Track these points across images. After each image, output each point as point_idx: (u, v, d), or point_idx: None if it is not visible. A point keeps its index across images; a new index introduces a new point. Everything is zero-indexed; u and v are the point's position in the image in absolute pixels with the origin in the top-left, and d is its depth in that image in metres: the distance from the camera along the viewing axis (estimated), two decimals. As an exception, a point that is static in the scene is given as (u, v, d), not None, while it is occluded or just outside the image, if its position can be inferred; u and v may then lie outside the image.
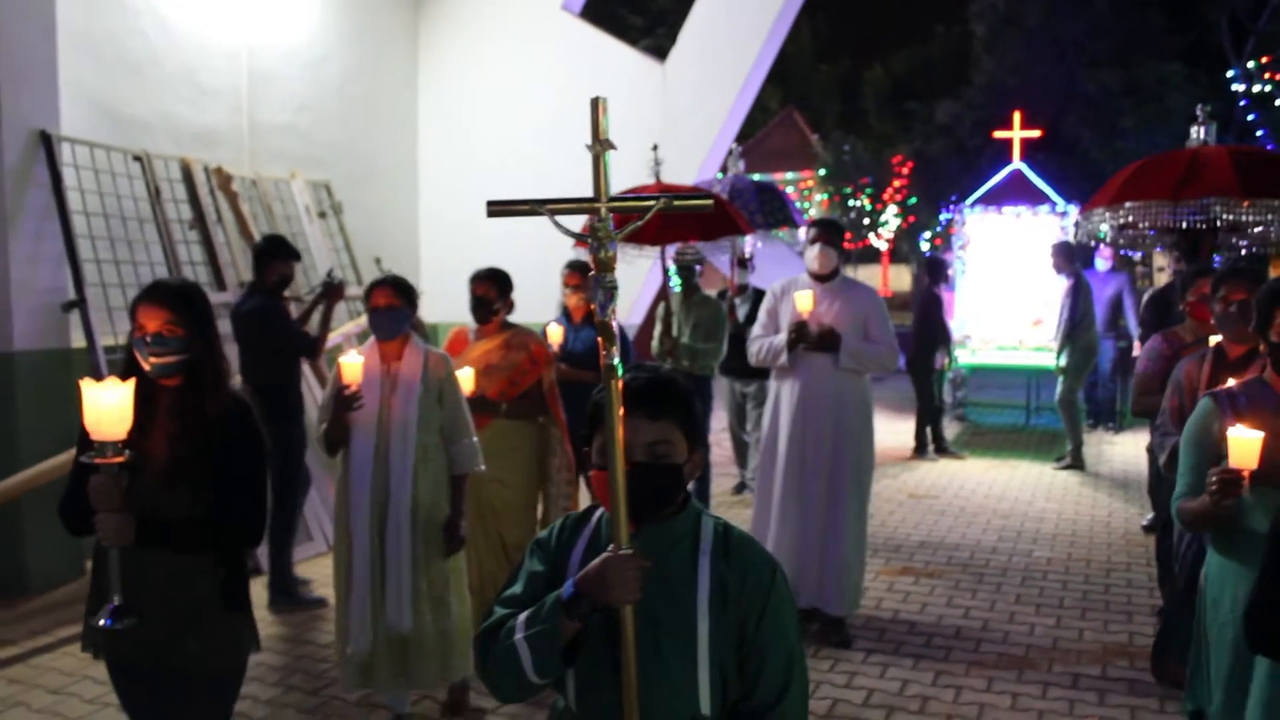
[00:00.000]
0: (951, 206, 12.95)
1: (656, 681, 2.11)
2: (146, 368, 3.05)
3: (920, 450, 11.11)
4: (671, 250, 7.79)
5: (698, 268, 8.01)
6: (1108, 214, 6.51)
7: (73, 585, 6.70)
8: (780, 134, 32.25)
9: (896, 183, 26.30)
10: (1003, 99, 20.67)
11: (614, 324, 2.11)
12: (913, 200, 25.91)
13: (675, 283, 8.07)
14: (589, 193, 2.13)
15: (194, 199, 8.11)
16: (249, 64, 9.07)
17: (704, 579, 2.15)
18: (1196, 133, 6.69)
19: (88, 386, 2.80)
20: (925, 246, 24.42)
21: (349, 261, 9.42)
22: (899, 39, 34.76)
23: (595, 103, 2.07)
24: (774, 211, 8.36)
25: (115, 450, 2.81)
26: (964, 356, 12.55)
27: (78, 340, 6.96)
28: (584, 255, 6.80)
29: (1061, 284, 10.58)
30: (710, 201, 2.24)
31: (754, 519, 6.14)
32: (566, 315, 6.88)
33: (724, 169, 9.47)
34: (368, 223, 10.05)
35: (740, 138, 34.24)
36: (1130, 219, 6.44)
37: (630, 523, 2.10)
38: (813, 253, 5.87)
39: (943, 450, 11.19)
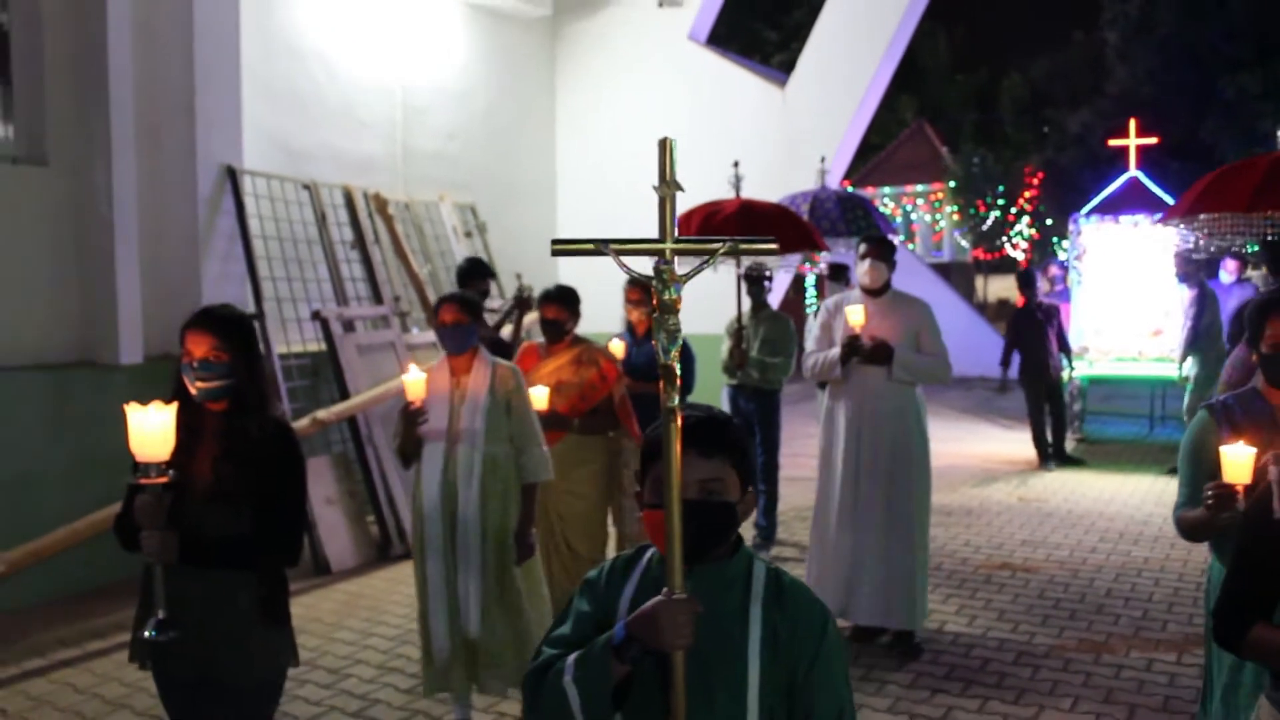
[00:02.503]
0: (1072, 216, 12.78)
1: None
2: (194, 392, 3.15)
3: (1043, 461, 11.01)
4: (744, 264, 7.83)
5: (767, 283, 8.07)
6: (1182, 225, 6.62)
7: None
8: (910, 147, 32.28)
9: (1027, 193, 26.13)
10: (1136, 107, 20.54)
11: (675, 366, 2.07)
12: (1042, 209, 25.76)
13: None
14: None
15: (355, 222, 9.03)
16: (403, 98, 9.99)
17: (755, 625, 2.14)
18: None
19: (132, 410, 2.89)
20: (1062, 256, 24.28)
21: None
22: (1036, 46, 34.11)
23: (663, 144, 2.06)
24: (856, 220, 8.44)
25: (159, 471, 2.90)
26: (1082, 369, 12.22)
27: (256, 348, 7.93)
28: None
29: (1184, 294, 10.51)
30: (775, 245, 2.24)
31: (811, 532, 6.24)
32: (630, 329, 7.02)
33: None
34: (509, 241, 10.87)
35: (871, 151, 34.35)
36: (1206, 231, 6.49)
37: (684, 563, 2.08)
38: (863, 268, 5.95)
39: (1063, 460, 11.11)
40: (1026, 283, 11.07)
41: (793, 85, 10.70)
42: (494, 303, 8.26)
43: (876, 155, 33.33)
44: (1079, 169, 22.74)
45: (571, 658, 2.10)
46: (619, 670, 2.04)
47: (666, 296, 2.06)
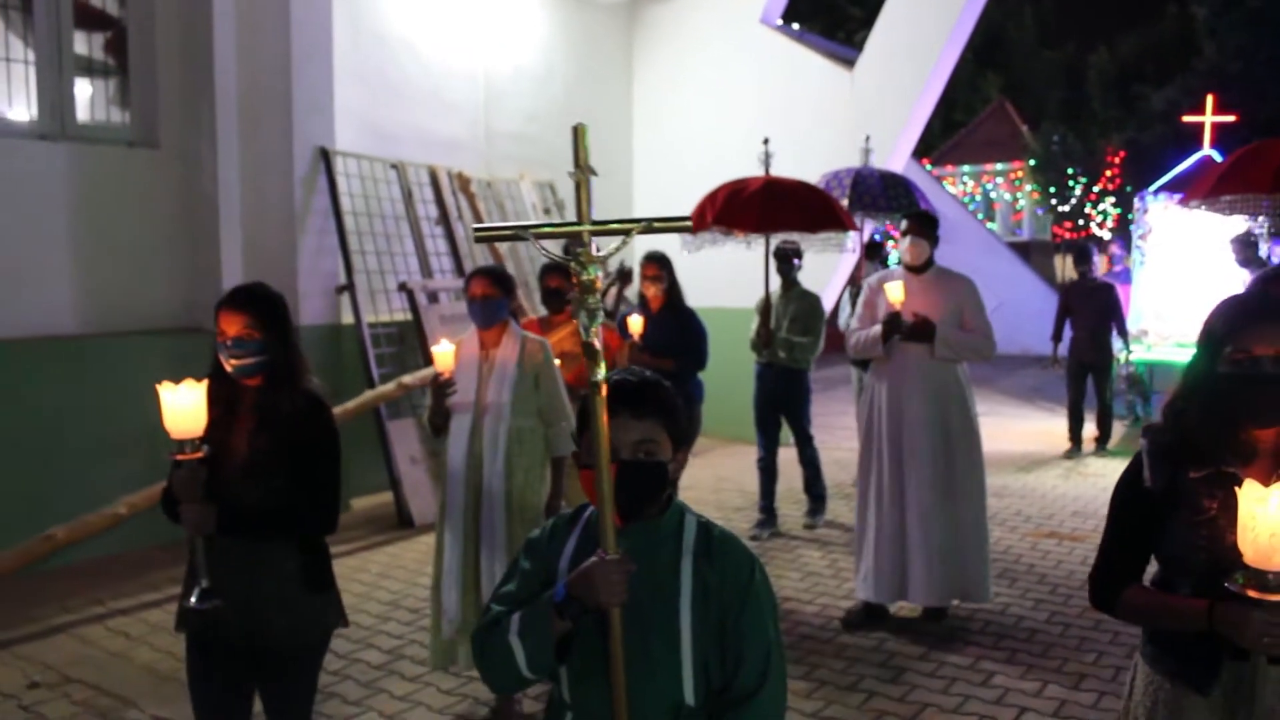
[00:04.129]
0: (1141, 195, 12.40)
1: (643, 674, 2.19)
2: (229, 369, 3.22)
3: (1074, 446, 10.65)
4: (774, 242, 7.78)
5: (796, 260, 7.91)
6: (1204, 206, 6.53)
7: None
8: (991, 125, 32.01)
9: (1109, 173, 25.83)
10: (1224, 83, 20.27)
11: (596, 342, 2.16)
12: (1128, 189, 25.49)
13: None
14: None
15: (439, 199, 9.57)
16: (485, 82, 10.50)
17: (686, 577, 2.23)
18: None
19: (165, 389, 2.96)
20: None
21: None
22: (1127, 21, 33.36)
23: (576, 130, 2.14)
24: (897, 198, 8.33)
25: (193, 446, 2.97)
26: (1140, 352, 11.71)
27: (346, 317, 8.54)
28: (666, 249, 7.18)
29: (1246, 278, 10.50)
30: (689, 223, 2.32)
31: (857, 515, 6.20)
32: (645, 304, 7.05)
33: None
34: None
35: (954, 129, 34.01)
36: (1229, 213, 6.50)
37: (618, 519, 2.17)
38: (905, 244, 5.90)
39: (1103, 449, 10.69)
40: (1082, 257, 10.73)
41: (860, 68, 10.97)
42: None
43: (958, 133, 33.16)
44: (1162, 147, 22.51)
45: (516, 615, 2.21)
46: (560, 626, 2.14)
47: (585, 277, 2.14)
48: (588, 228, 2.15)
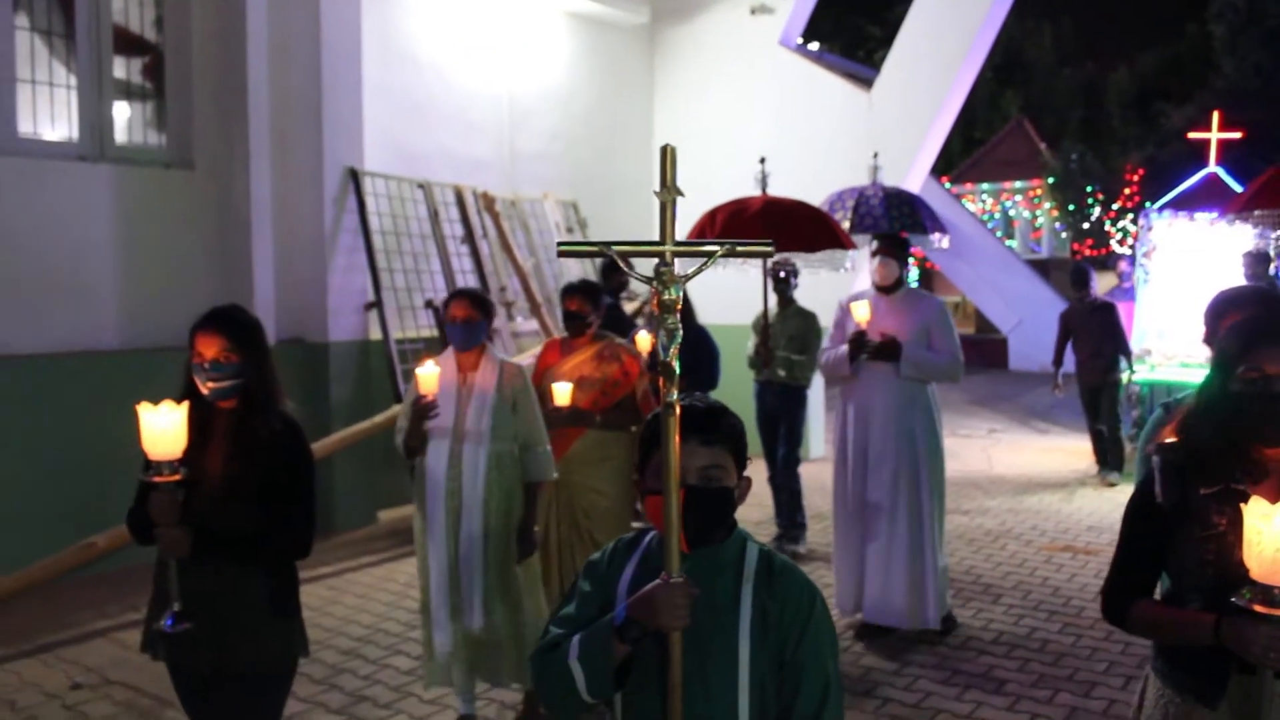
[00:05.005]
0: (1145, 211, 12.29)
1: (700, 700, 2.19)
2: (205, 391, 3.19)
3: (1101, 467, 10.48)
4: (771, 261, 7.73)
5: (793, 279, 7.97)
6: (1236, 220, 6.66)
7: (367, 528, 8.42)
8: (1009, 143, 32.10)
9: (1127, 190, 25.88)
10: (1243, 101, 20.33)
11: (674, 363, 2.15)
12: (1148, 205, 25.52)
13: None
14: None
15: (465, 218, 9.77)
16: (510, 103, 10.71)
17: (746, 605, 2.23)
18: None
19: (144, 410, 2.94)
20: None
21: (592, 271, 10.92)
22: (1146, 40, 33.35)
23: (664, 151, 2.13)
24: (902, 217, 8.26)
25: (171, 469, 2.94)
26: (1143, 372, 11.29)
27: (373, 333, 8.75)
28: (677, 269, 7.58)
29: None
30: (771, 248, 2.34)
31: (834, 528, 6.26)
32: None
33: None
34: (609, 236, 11.45)
35: (974, 147, 34.03)
36: (1259, 229, 6.63)
37: (684, 545, 2.18)
38: (874, 264, 5.97)
39: (1119, 467, 10.35)
40: (1078, 279, 10.52)
41: (878, 88, 11.15)
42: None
43: (976, 151, 33.22)
44: (1180, 165, 22.56)
45: (576, 638, 2.20)
46: (620, 650, 2.14)
47: (667, 297, 2.15)
48: (670, 248, 2.17)
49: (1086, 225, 27.18)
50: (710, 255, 2.22)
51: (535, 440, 4.74)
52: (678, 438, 2.14)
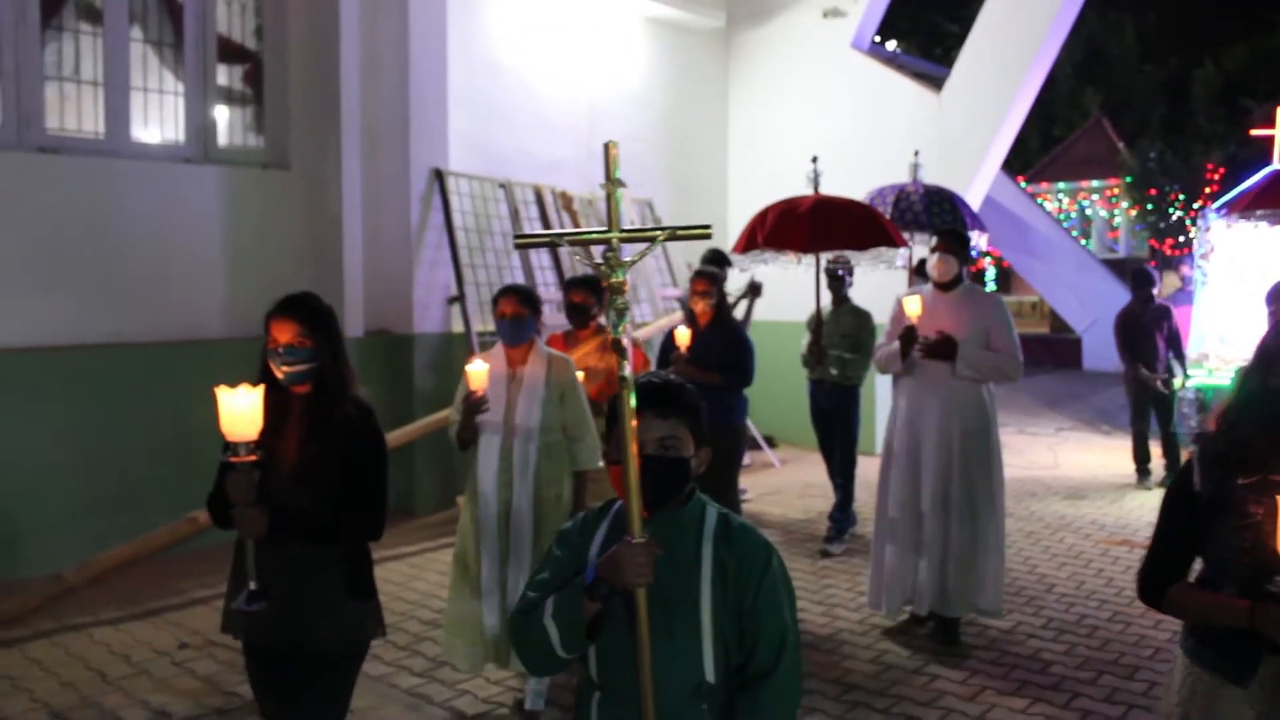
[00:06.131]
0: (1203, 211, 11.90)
1: (667, 653, 2.32)
2: (280, 376, 3.26)
3: (1141, 476, 10.28)
4: (825, 259, 7.82)
5: (848, 277, 8.02)
6: (1240, 219, 6.60)
7: (447, 511, 8.85)
8: (1087, 142, 31.77)
9: (1209, 189, 25.52)
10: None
11: (625, 340, 2.30)
12: (1205, 206, 25.08)
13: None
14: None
15: (544, 216, 10.18)
16: (589, 105, 11.09)
17: (706, 562, 2.38)
18: None
19: (222, 393, 2.97)
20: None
21: (666, 267, 11.28)
22: (1232, 34, 32.65)
23: (607, 147, 2.26)
24: (942, 214, 8.23)
25: (248, 450, 2.98)
26: (1200, 377, 10.87)
27: (456, 326, 9.20)
28: (712, 266, 7.27)
29: None
30: (709, 231, 2.44)
31: (875, 523, 6.22)
32: (693, 318, 6.93)
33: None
34: (683, 233, 11.82)
35: (1050, 145, 33.63)
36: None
37: (644, 511, 2.29)
38: (933, 260, 5.95)
39: (1142, 480, 10.23)
40: (1139, 281, 10.35)
41: (948, 90, 11.34)
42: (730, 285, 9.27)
43: (1053, 150, 32.96)
44: (1262, 163, 22.15)
45: (550, 599, 2.35)
46: (590, 608, 2.27)
47: (614, 280, 2.30)
48: (616, 235, 2.32)
49: (1164, 225, 26.86)
50: (653, 240, 2.39)
51: (584, 430, 4.85)
52: (633, 412, 2.27)
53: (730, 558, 2.38)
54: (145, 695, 5.28)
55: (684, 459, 2.41)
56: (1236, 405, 2.67)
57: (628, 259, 2.32)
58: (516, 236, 2.60)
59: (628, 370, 2.27)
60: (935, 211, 8.25)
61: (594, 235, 2.39)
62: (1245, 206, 6.32)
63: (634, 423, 2.26)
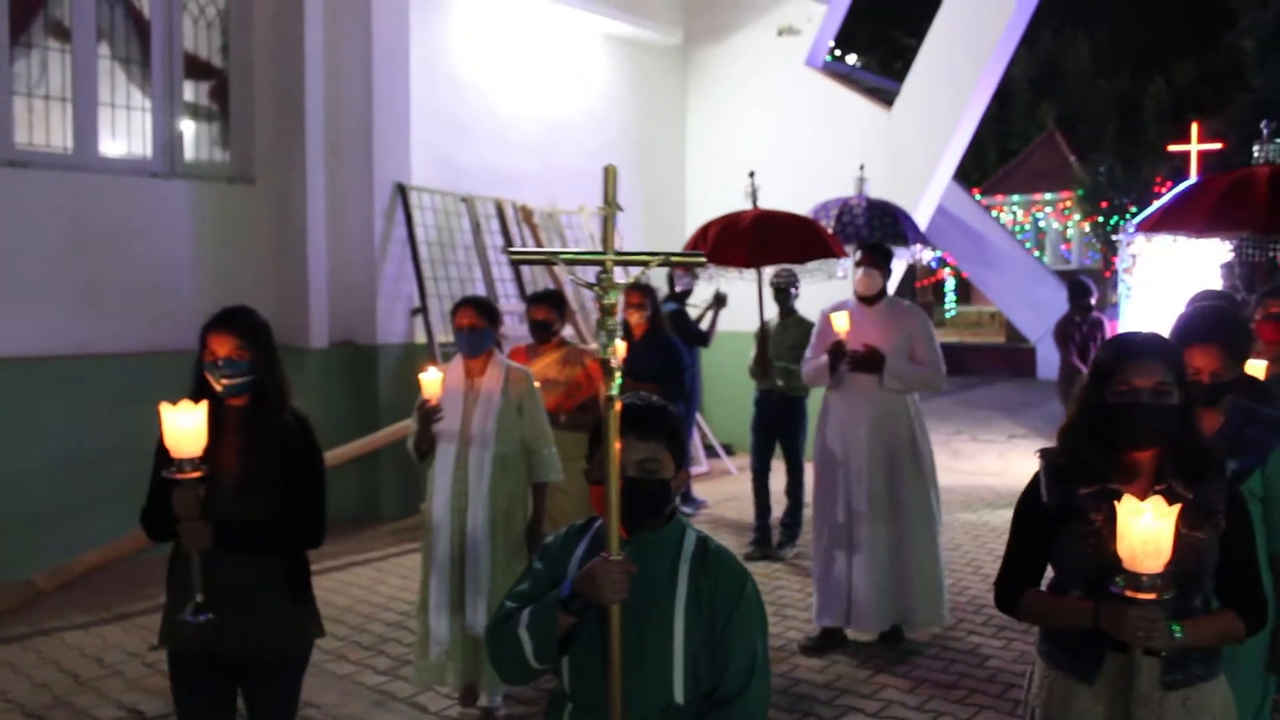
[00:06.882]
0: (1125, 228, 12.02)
1: (638, 670, 2.35)
2: (218, 388, 3.30)
3: None
4: (768, 273, 7.93)
5: (793, 290, 8.18)
6: (1148, 238, 6.70)
7: (412, 517, 9.01)
8: (1040, 155, 32.39)
9: (1156, 203, 26.06)
10: (1273, 116, 20.43)
11: (613, 362, 2.31)
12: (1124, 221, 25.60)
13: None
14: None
15: (504, 229, 10.39)
16: (548, 120, 11.33)
17: (682, 584, 2.40)
18: (1260, 152, 6.44)
19: (167, 410, 3.03)
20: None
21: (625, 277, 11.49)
22: (1182, 51, 33.29)
23: (607, 171, 2.29)
24: (884, 228, 8.37)
25: (193, 466, 3.04)
26: None
27: (419, 337, 9.40)
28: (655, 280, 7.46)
29: None
30: (703, 258, 2.58)
31: (813, 537, 6.29)
32: (628, 331, 6.96)
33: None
34: (643, 246, 12.02)
35: (1007, 158, 34.16)
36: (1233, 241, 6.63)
37: (623, 530, 2.33)
38: (857, 275, 5.96)
39: None
40: (1076, 292, 10.40)
41: (898, 106, 11.66)
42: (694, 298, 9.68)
43: (1008, 164, 33.54)
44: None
45: (526, 610, 2.38)
46: (565, 621, 2.31)
47: (606, 301, 2.32)
48: (611, 257, 2.35)
49: (1116, 237, 27.43)
50: (646, 264, 2.46)
51: (541, 441, 4.91)
52: (618, 431, 2.31)
53: (706, 582, 2.42)
54: (117, 695, 5.45)
55: (664, 480, 2.44)
56: (1075, 421, 2.78)
57: (620, 281, 2.37)
58: (510, 251, 2.63)
59: (615, 389, 2.30)
60: (877, 225, 8.40)
61: (590, 256, 2.42)
62: (1152, 225, 6.52)
63: (618, 444, 2.30)
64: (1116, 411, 2.65)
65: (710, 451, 11.61)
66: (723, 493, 10.30)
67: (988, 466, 11.96)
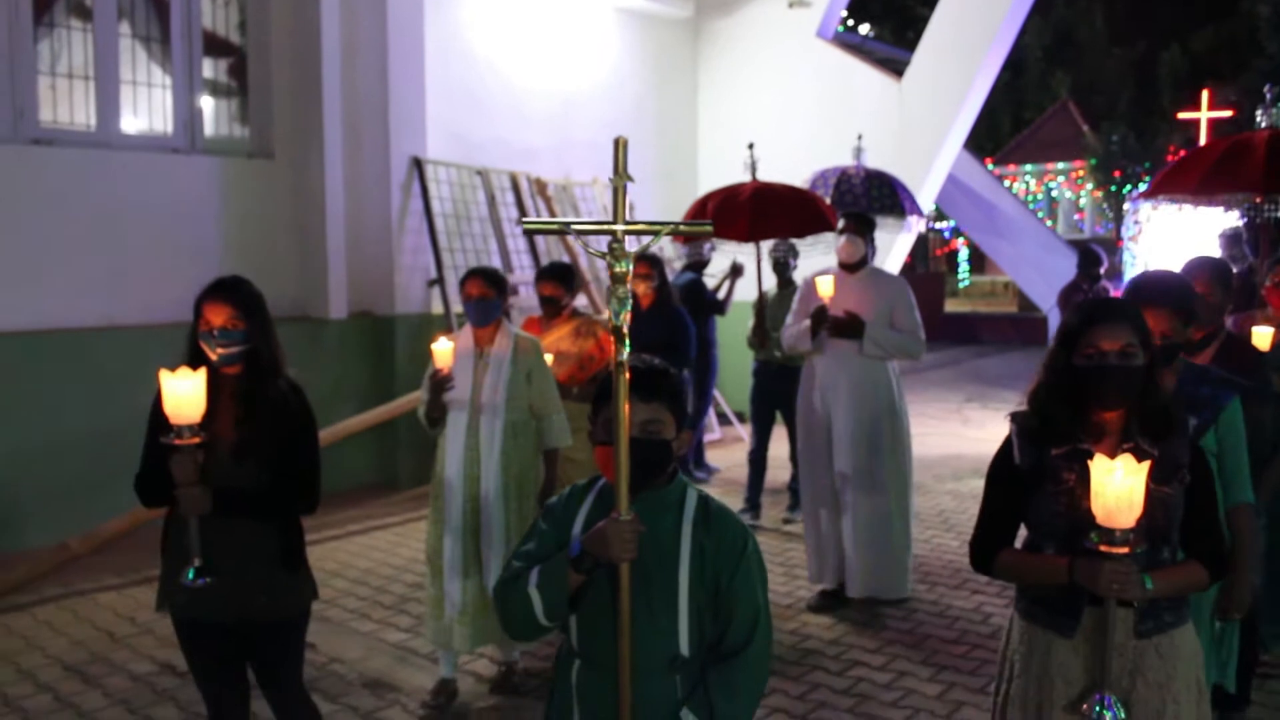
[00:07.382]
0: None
1: (645, 626, 2.42)
2: (213, 357, 3.32)
3: None
4: (767, 246, 7.97)
5: (791, 262, 8.25)
6: (1154, 203, 6.74)
7: (428, 485, 9.21)
8: (1053, 125, 32.27)
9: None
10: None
11: (625, 328, 2.35)
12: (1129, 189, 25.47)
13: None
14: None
15: (519, 202, 10.54)
16: (562, 94, 11.45)
17: (686, 542, 2.48)
18: (1262, 116, 6.53)
19: (166, 377, 3.09)
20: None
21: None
22: (1200, 17, 32.99)
23: (617, 142, 2.32)
24: (882, 198, 8.41)
25: (192, 432, 3.09)
26: None
27: (436, 308, 9.58)
28: (656, 250, 7.36)
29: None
30: (710, 226, 2.63)
31: (802, 498, 6.46)
32: (635, 301, 6.76)
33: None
34: (656, 217, 12.14)
35: (1021, 127, 34.03)
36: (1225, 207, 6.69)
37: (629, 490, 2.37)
38: (840, 242, 6.03)
39: None
40: (1086, 260, 10.21)
41: (909, 77, 11.74)
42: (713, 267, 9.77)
43: (1021, 133, 33.45)
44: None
45: (536, 569, 2.45)
46: (575, 579, 2.39)
47: (618, 269, 2.36)
48: (621, 227, 2.39)
49: (1125, 205, 27.43)
50: (656, 233, 2.49)
51: (550, 408, 4.98)
52: (625, 394, 2.36)
53: (709, 540, 2.49)
54: (150, 651, 5.67)
55: (666, 441, 2.50)
56: (1045, 384, 2.85)
57: (632, 250, 2.41)
58: (523, 221, 2.66)
59: (625, 354, 2.35)
60: (875, 195, 8.45)
61: (600, 226, 2.44)
62: (1152, 191, 6.60)
63: (626, 406, 2.35)
64: (1085, 374, 2.73)
65: (723, 419, 11.79)
66: (734, 459, 10.45)
67: (998, 434, 12.01)
